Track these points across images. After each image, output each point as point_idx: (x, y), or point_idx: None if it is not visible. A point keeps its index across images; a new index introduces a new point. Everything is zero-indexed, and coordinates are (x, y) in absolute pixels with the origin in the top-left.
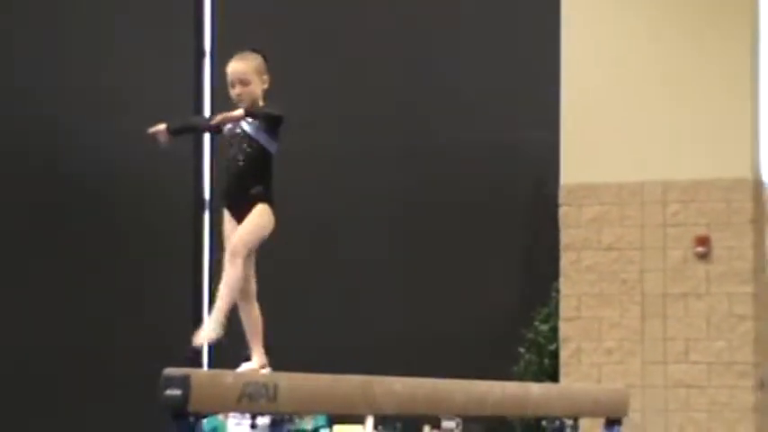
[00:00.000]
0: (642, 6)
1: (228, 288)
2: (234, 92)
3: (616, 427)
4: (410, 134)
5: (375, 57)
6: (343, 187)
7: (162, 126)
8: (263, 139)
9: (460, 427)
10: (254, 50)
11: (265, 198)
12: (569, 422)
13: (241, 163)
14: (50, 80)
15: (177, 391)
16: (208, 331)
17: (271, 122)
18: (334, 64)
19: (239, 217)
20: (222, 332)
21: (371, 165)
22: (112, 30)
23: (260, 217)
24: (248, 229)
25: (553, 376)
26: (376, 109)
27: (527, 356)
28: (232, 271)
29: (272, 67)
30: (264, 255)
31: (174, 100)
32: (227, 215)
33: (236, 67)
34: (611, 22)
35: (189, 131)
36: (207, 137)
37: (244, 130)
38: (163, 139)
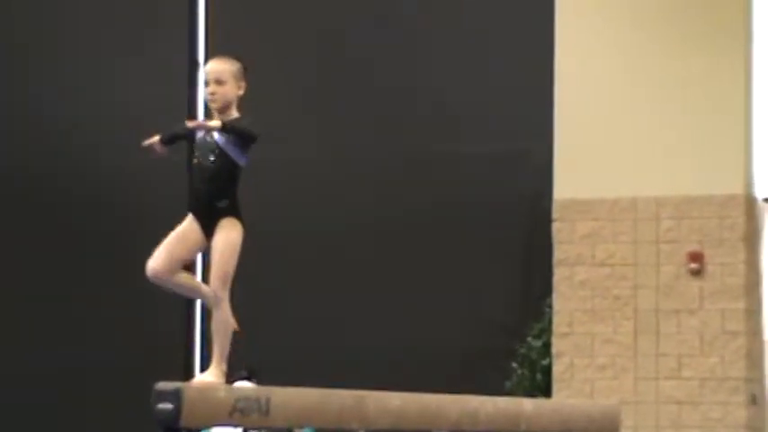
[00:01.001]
0: (635, 23)
1: (222, 334)
2: (208, 90)
3: None
4: (405, 147)
5: (372, 67)
6: (338, 198)
7: (155, 138)
8: (232, 152)
9: None
10: (236, 58)
11: (232, 212)
12: None
13: (209, 173)
14: (46, 87)
15: (169, 405)
16: (212, 380)
17: (245, 139)
18: (329, 74)
19: (204, 226)
20: (224, 378)
21: (366, 176)
22: (107, 39)
23: (228, 237)
24: (223, 261)
25: (546, 392)
26: (371, 120)
27: (520, 372)
28: (220, 314)
29: (268, 75)
30: (257, 267)
31: (168, 110)
32: (190, 218)
33: (214, 66)
34: (604, 39)
35: (179, 139)
36: None
37: (215, 141)
38: (158, 149)
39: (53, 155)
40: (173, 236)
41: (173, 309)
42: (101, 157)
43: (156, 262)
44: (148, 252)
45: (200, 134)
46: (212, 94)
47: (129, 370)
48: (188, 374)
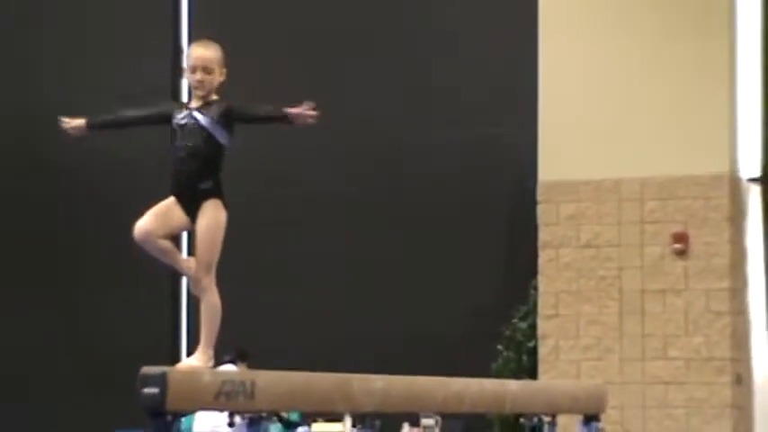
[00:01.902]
0: (619, 6)
1: (209, 319)
2: (195, 77)
3: (594, 424)
4: (390, 131)
5: (357, 54)
6: (323, 185)
7: (79, 122)
8: (219, 133)
9: (439, 425)
10: (216, 43)
11: (216, 193)
12: (547, 419)
13: (195, 155)
14: (29, 79)
15: (154, 390)
16: (199, 365)
17: (240, 119)
18: (314, 61)
19: (188, 209)
20: (212, 362)
21: (352, 162)
22: (90, 26)
23: (212, 220)
24: (207, 247)
25: (532, 373)
26: (356, 106)
27: (505, 354)
28: (207, 299)
29: (251, 61)
30: (244, 255)
31: (152, 96)
32: (173, 200)
33: (203, 53)
34: (588, 22)
35: (120, 126)
36: None
37: (197, 121)
38: (77, 133)
39: (44, 142)
40: (160, 206)
41: (159, 294)
42: (91, 145)
43: (144, 223)
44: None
45: (180, 116)
46: (200, 81)
47: (116, 355)
48: (174, 359)
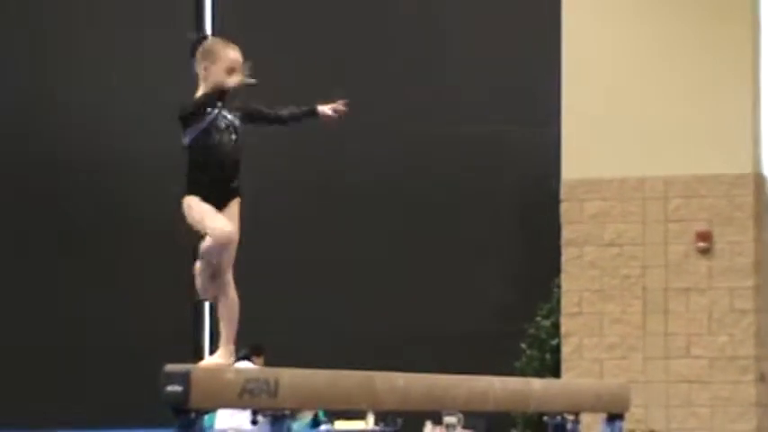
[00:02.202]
0: (643, 4)
1: (229, 316)
2: (234, 79)
3: (618, 422)
4: (409, 128)
5: (379, 48)
6: (342, 183)
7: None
8: (241, 132)
9: (462, 423)
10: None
11: (239, 192)
12: (571, 417)
13: (231, 154)
14: (48, 79)
15: (178, 388)
16: (221, 362)
17: (262, 119)
18: (327, 56)
19: (216, 208)
20: (233, 359)
21: (370, 160)
22: (114, 25)
23: (238, 217)
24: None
25: (555, 371)
26: (375, 100)
27: (529, 352)
28: (227, 296)
29: (272, 57)
30: (265, 253)
31: (175, 95)
32: (198, 200)
33: (239, 56)
34: (612, 20)
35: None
36: None
37: (231, 122)
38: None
39: (54, 142)
40: (210, 207)
41: (181, 293)
42: (103, 141)
43: (229, 226)
44: (153, 240)
45: (213, 118)
46: (238, 84)
47: (140, 353)
48: (198, 357)
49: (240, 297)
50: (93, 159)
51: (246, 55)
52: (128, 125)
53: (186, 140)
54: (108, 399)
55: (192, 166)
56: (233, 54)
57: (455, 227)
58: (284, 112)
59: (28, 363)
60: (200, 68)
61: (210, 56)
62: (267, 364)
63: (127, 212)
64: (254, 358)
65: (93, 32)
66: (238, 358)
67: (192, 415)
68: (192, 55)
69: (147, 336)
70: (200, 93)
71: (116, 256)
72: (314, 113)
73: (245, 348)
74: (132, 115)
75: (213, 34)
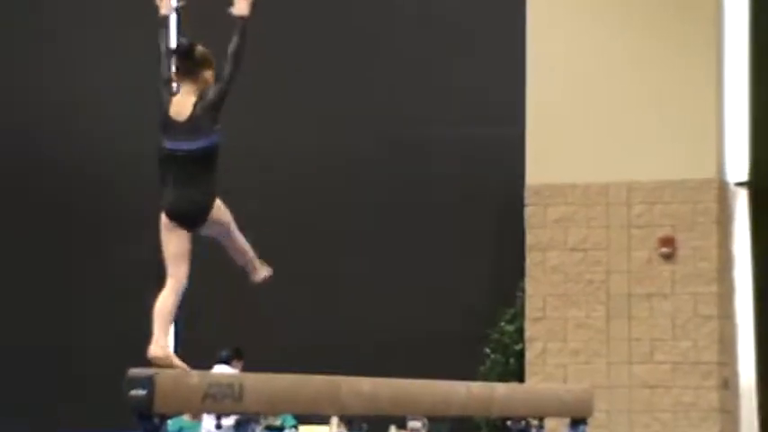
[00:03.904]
0: (607, 11)
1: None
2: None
3: (581, 427)
4: (376, 130)
5: (348, 52)
6: (313, 186)
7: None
8: None
9: (426, 427)
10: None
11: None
12: (535, 422)
13: None
14: (22, 80)
15: (142, 392)
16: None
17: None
18: (306, 60)
19: None
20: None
21: (341, 164)
22: (81, 26)
23: None
24: None
25: (518, 376)
26: (343, 103)
27: (493, 357)
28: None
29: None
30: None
31: (143, 94)
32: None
33: None
34: (576, 25)
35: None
36: None
37: None
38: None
39: (29, 142)
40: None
41: (147, 296)
42: (74, 142)
43: None
44: (132, 239)
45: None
46: None
47: (101, 355)
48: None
49: (213, 298)
50: (87, 159)
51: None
52: (98, 126)
53: (215, 140)
54: (76, 401)
55: (215, 167)
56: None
57: (419, 231)
58: (231, 47)
59: (21, 363)
60: (205, 74)
61: (210, 62)
62: (245, 368)
63: (100, 210)
64: (234, 362)
65: (93, 32)
66: (218, 361)
67: (156, 420)
68: (186, 61)
69: (112, 338)
70: (193, 96)
71: (87, 254)
72: (242, 20)
73: (227, 350)
74: (104, 115)
75: (182, 34)
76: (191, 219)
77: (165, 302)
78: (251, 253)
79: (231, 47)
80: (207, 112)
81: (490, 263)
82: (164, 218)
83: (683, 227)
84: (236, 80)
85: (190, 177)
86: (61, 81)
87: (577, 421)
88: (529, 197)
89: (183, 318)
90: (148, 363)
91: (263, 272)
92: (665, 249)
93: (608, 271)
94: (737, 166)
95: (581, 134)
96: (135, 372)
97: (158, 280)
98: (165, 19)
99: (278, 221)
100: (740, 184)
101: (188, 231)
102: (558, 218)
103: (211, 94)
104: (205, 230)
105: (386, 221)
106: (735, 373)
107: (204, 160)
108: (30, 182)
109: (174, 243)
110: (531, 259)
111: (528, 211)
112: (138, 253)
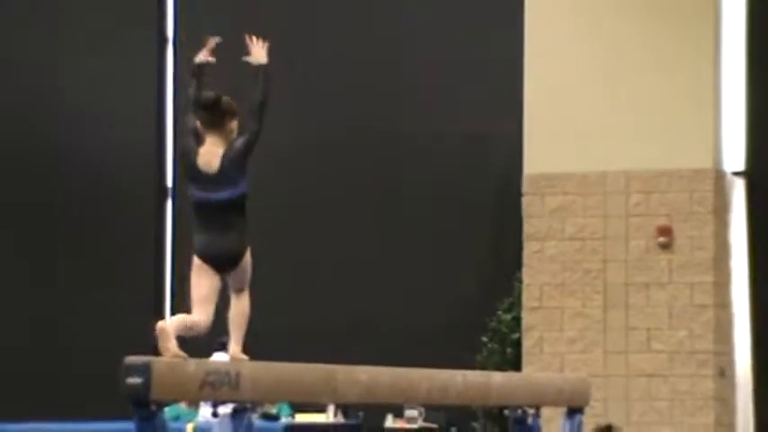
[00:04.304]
0: (605, 2)
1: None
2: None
3: (578, 416)
4: (377, 125)
5: (342, 47)
6: (309, 177)
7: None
8: None
9: (423, 416)
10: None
11: None
12: (531, 411)
13: None
14: (10, 73)
15: (138, 380)
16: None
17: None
18: (300, 55)
19: None
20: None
21: (337, 155)
22: (74, 16)
23: None
24: None
25: (515, 365)
26: (341, 96)
27: (490, 345)
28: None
29: (239, 56)
30: None
31: (137, 86)
32: None
33: None
34: (573, 16)
35: None
36: (170, 119)
37: None
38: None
39: (17, 135)
40: None
41: (143, 286)
42: (65, 133)
43: None
44: (120, 230)
45: None
46: None
47: (98, 345)
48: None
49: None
50: (84, 150)
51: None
52: (90, 118)
53: (243, 189)
54: (74, 390)
55: (244, 212)
56: None
57: (417, 220)
58: (255, 98)
59: (17, 351)
60: (230, 125)
61: (235, 112)
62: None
63: (90, 207)
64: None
65: (54, 23)
66: (217, 347)
67: (153, 407)
68: (213, 113)
69: (109, 328)
70: (219, 147)
71: (78, 248)
72: (261, 67)
73: (225, 337)
74: (96, 107)
75: (176, 25)
76: (224, 260)
77: (183, 322)
78: (243, 330)
79: (255, 97)
80: (235, 163)
81: (488, 252)
82: (196, 260)
83: (679, 216)
84: (263, 130)
85: (222, 224)
86: (53, 70)
87: (574, 410)
88: (526, 186)
89: (184, 307)
90: (145, 352)
91: (238, 351)
92: (662, 239)
93: (605, 260)
94: (734, 156)
95: (578, 123)
96: (132, 359)
97: (154, 269)
98: (199, 68)
99: (277, 208)
100: (737, 174)
101: (219, 274)
102: (556, 207)
103: (239, 144)
104: (232, 277)
105: (383, 211)
106: (731, 362)
107: (235, 207)
108: (24, 168)
109: (205, 285)
110: (528, 248)
111: (525, 200)
112: (133, 240)
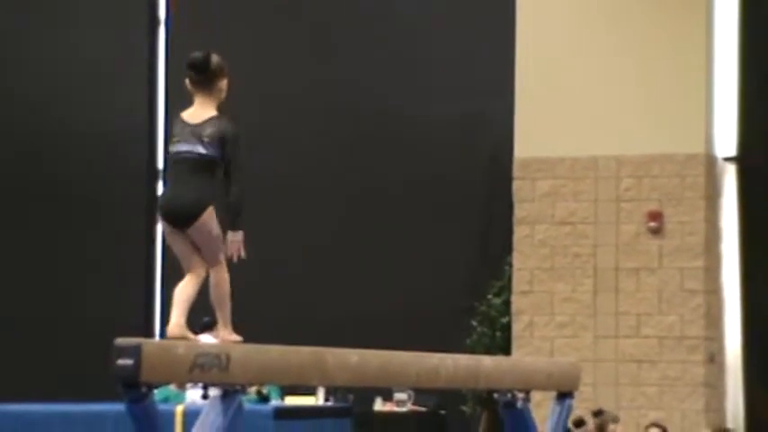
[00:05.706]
0: None
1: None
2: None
3: (567, 401)
4: (365, 108)
5: (335, 32)
6: (299, 161)
7: None
8: None
9: (412, 399)
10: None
11: None
12: (521, 395)
13: None
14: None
15: (129, 361)
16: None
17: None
18: (291, 38)
19: None
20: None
21: (325, 139)
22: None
23: None
24: None
25: (505, 349)
26: (332, 82)
27: (479, 329)
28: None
29: (231, 38)
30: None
31: (128, 68)
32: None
33: None
34: (566, 1)
35: None
36: (162, 101)
37: None
38: None
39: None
40: None
41: (134, 267)
42: (56, 114)
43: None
44: (110, 213)
45: None
46: None
47: (93, 329)
48: (148, 333)
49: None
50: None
51: (224, 30)
52: (81, 99)
53: (216, 155)
54: (64, 371)
55: (215, 177)
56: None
57: (407, 205)
58: (231, 198)
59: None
60: (220, 84)
61: (224, 71)
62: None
63: (81, 187)
64: (216, 327)
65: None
66: (202, 326)
67: (143, 389)
68: (202, 73)
69: (100, 310)
70: (212, 108)
71: (68, 231)
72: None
73: (209, 317)
74: (87, 88)
75: (167, 6)
76: (175, 215)
77: (185, 289)
78: (227, 309)
79: (231, 193)
80: (219, 141)
81: (478, 236)
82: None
83: (670, 201)
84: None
85: (183, 181)
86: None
87: (564, 394)
88: (517, 170)
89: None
90: (136, 335)
91: (227, 333)
92: (652, 224)
93: (595, 245)
94: (726, 141)
95: (569, 108)
96: (122, 341)
97: (146, 251)
98: None
99: (263, 194)
100: (728, 159)
101: (180, 233)
102: (546, 191)
103: (229, 151)
104: (202, 249)
105: (372, 195)
106: (721, 348)
107: (200, 166)
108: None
109: (179, 242)
110: (518, 233)
111: (516, 184)
112: (124, 222)
